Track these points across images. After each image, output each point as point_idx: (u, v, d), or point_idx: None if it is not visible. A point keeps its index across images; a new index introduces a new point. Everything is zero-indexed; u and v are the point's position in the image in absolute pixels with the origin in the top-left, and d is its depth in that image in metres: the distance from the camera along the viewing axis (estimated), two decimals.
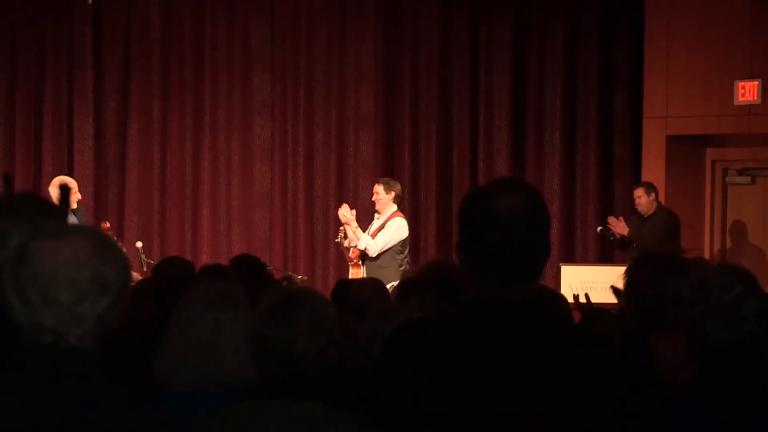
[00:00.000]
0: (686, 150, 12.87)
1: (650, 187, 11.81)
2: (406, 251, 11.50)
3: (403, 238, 11.40)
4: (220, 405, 3.12)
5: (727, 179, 13.18)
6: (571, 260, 12.72)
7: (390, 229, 11.37)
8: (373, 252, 11.27)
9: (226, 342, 3.49)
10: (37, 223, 3.12)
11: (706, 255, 12.38)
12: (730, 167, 13.17)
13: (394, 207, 11.51)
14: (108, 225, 11.86)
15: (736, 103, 12.24)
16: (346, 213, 11.47)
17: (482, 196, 2.79)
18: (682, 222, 11.76)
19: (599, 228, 12.35)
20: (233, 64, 13.75)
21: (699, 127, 12.59)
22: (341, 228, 11.58)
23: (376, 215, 11.62)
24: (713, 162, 13.15)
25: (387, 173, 13.58)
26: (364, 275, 11.20)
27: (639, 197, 11.78)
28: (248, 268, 6.61)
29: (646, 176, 12.64)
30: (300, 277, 11.53)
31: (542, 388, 2.66)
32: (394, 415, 2.77)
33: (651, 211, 11.71)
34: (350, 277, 11.36)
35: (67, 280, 2.40)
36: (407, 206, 13.54)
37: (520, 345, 2.70)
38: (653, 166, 12.74)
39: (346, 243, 11.51)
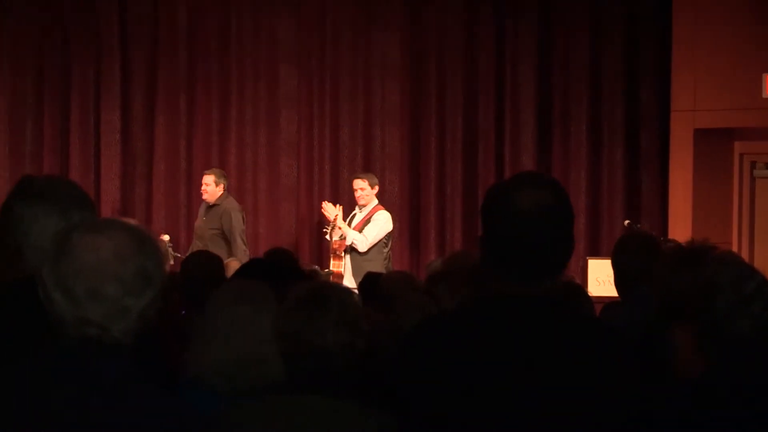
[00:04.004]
0: (714, 143, 12.81)
1: None
2: (390, 244, 11.63)
3: (389, 231, 11.54)
4: (249, 400, 3.14)
5: (755, 172, 13.11)
6: (598, 254, 12.67)
7: (377, 223, 11.53)
8: (363, 247, 11.39)
9: (263, 342, 3.49)
10: (68, 209, 3.11)
11: (734, 248, 12.32)
12: (758, 160, 13.11)
13: (376, 201, 11.71)
14: (166, 237, 12.00)
15: (764, 96, 12.17)
16: (331, 211, 11.64)
17: (504, 190, 2.78)
18: (710, 215, 11.71)
19: (626, 221, 12.31)
20: (259, 57, 13.76)
21: (727, 120, 12.52)
22: (334, 218, 11.71)
23: (357, 209, 11.73)
24: (741, 155, 13.08)
25: (413, 167, 13.60)
26: (348, 267, 11.35)
27: None
28: (281, 262, 6.62)
29: (673, 170, 12.59)
30: (326, 270, 11.57)
31: (560, 385, 2.66)
32: (414, 411, 2.77)
33: None
34: (330, 268, 11.49)
35: (113, 274, 2.42)
36: (433, 200, 13.55)
37: (539, 342, 2.69)
38: (681, 160, 12.69)
39: (335, 236, 11.60)
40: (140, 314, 2.46)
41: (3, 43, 13.46)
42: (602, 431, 2.67)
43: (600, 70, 13.40)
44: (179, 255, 11.19)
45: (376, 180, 11.95)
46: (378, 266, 10.88)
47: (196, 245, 11.78)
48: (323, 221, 12.28)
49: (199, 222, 12.38)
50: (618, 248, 6.05)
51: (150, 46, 13.73)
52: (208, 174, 12.38)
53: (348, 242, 11.47)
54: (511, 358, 2.68)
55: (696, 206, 12.53)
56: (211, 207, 12.25)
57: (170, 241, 11.75)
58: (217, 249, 11.07)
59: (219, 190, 12.25)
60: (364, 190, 11.71)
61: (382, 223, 11.59)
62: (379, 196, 12.02)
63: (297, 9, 13.69)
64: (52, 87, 13.66)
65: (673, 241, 10.71)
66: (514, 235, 2.72)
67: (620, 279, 5.94)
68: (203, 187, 12.35)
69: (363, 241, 11.41)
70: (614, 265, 5.98)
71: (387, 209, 11.97)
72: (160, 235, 11.97)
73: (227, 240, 12.04)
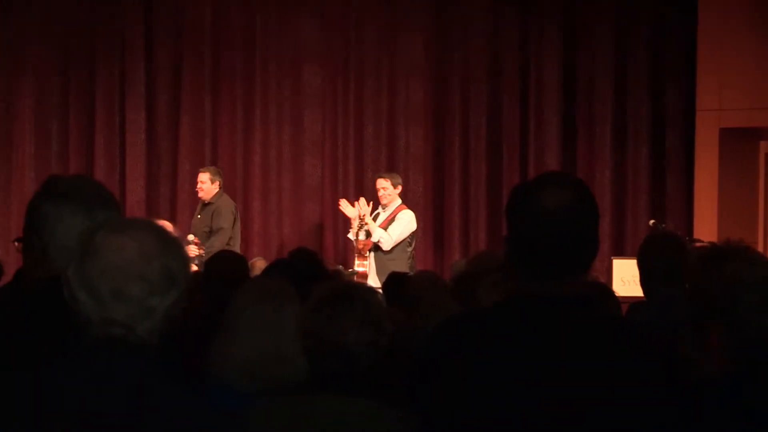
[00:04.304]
0: (739, 143, 12.76)
1: None
2: (414, 244, 11.63)
3: (413, 230, 11.54)
4: (271, 400, 3.14)
5: None
6: (623, 254, 12.63)
7: (401, 222, 11.54)
8: (387, 245, 11.39)
9: (286, 340, 3.50)
10: (93, 208, 3.12)
11: (759, 248, 12.28)
12: None
13: (399, 200, 11.70)
14: (197, 240, 12.03)
15: None
16: (363, 207, 11.63)
17: (528, 190, 2.78)
18: (736, 215, 11.68)
19: (651, 221, 12.28)
20: (284, 57, 13.78)
21: (752, 119, 12.47)
22: (361, 216, 11.70)
23: (380, 208, 11.73)
24: (766, 155, 13.04)
25: (437, 166, 13.60)
26: (373, 266, 11.36)
27: None
28: (305, 262, 6.62)
29: (698, 169, 12.56)
30: (350, 270, 11.57)
31: (587, 385, 2.65)
32: (438, 410, 2.76)
33: None
34: (355, 268, 11.50)
35: (138, 274, 2.42)
36: (457, 200, 13.55)
37: (565, 341, 2.69)
38: (706, 159, 12.65)
39: (361, 236, 11.61)
40: (165, 314, 2.47)
41: (29, 44, 13.50)
42: (629, 431, 2.67)
43: (625, 70, 13.37)
44: (203, 254, 11.22)
45: (399, 179, 11.95)
46: (402, 266, 10.89)
47: None
48: (348, 221, 12.28)
49: (195, 220, 12.40)
50: (644, 248, 6.03)
51: (175, 46, 13.76)
52: (203, 172, 12.35)
53: (374, 239, 11.48)
54: (537, 357, 2.68)
55: (721, 206, 12.49)
56: (206, 205, 12.25)
57: (194, 240, 11.75)
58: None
59: (215, 188, 12.24)
60: (386, 189, 11.72)
61: (406, 222, 11.60)
62: (402, 195, 12.02)
63: (321, 8, 13.71)
64: (78, 87, 13.70)
65: (700, 240, 10.69)
66: (538, 235, 2.72)
67: (646, 279, 5.92)
68: (198, 185, 12.31)
69: (388, 239, 11.42)
70: (640, 265, 5.96)
71: (411, 209, 11.97)
72: (185, 236, 12.00)
73: None
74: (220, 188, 12.30)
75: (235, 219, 12.27)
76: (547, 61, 13.49)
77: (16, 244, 3.02)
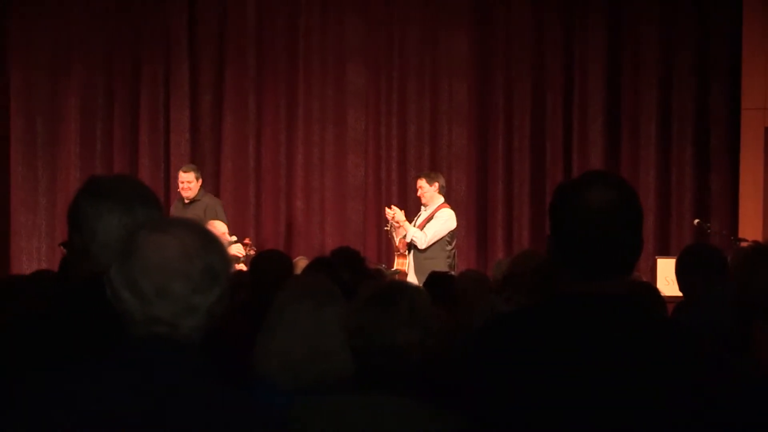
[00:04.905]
0: None
1: None
2: (454, 242, 11.59)
3: (452, 229, 11.48)
4: (315, 398, 3.14)
5: None
6: (667, 253, 12.58)
7: (438, 221, 11.47)
8: (421, 244, 11.35)
9: (327, 337, 3.50)
10: (133, 206, 3.14)
11: None
12: None
13: (441, 198, 11.65)
14: (248, 241, 12.05)
15: None
16: (399, 217, 11.58)
17: (573, 189, 2.77)
18: None
19: (696, 221, 12.22)
20: (327, 56, 13.80)
21: None
22: (391, 216, 11.69)
23: (423, 207, 11.70)
24: None
25: (480, 166, 13.59)
26: (411, 265, 11.34)
27: None
28: (348, 260, 6.63)
29: (743, 168, 12.47)
30: (392, 270, 11.56)
31: (634, 384, 2.64)
32: (482, 411, 2.76)
33: None
34: (395, 267, 11.48)
35: (180, 272, 2.44)
36: (501, 198, 13.53)
37: (609, 341, 2.67)
38: (751, 158, 12.57)
39: (399, 235, 11.61)
40: (208, 311, 2.48)
41: (73, 44, 13.59)
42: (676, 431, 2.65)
43: (669, 69, 13.31)
44: (241, 255, 11.26)
45: (437, 178, 11.82)
46: (440, 264, 10.85)
47: None
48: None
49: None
50: (679, 268, 6.02)
51: (218, 45, 13.81)
52: (187, 172, 12.21)
53: (408, 239, 11.46)
54: (583, 356, 2.66)
55: (766, 205, 12.41)
56: (190, 202, 12.20)
57: (237, 241, 11.76)
58: None
59: (198, 185, 12.21)
60: (423, 188, 11.68)
61: (443, 221, 11.53)
62: (445, 194, 11.98)
63: (365, 8, 13.72)
64: (122, 86, 13.78)
65: (745, 239, 10.63)
66: (583, 234, 2.71)
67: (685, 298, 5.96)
68: (185, 185, 12.12)
69: (422, 238, 11.38)
70: (679, 285, 5.97)
71: (454, 208, 11.93)
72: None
73: None
74: (201, 185, 12.29)
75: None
76: (591, 60, 13.45)
77: (62, 248, 3.07)
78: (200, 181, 12.26)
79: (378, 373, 3.13)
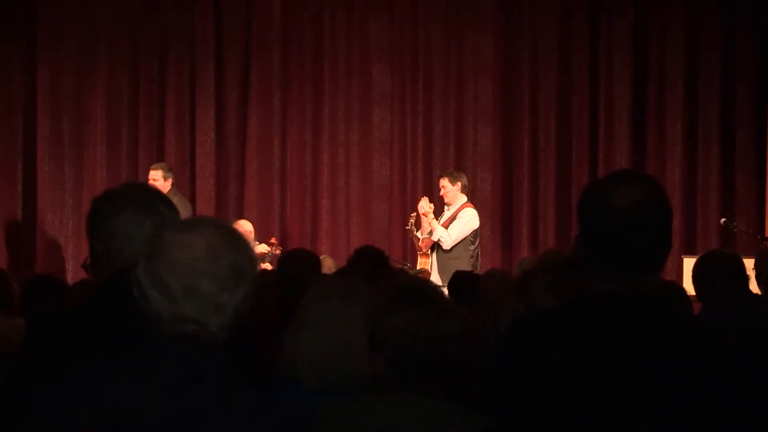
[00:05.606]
0: None
1: None
2: (477, 242, 11.57)
3: (475, 228, 11.48)
4: (343, 399, 3.14)
5: None
6: (693, 252, 12.53)
7: (462, 221, 11.47)
8: (447, 245, 11.34)
9: (355, 338, 3.50)
10: (150, 204, 3.18)
11: None
12: None
13: (464, 198, 11.64)
14: (274, 240, 12.05)
15: None
16: (425, 205, 11.58)
17: (601, 188, 2.77)
18: None
19: (722, 219, 12.17)
20: (352, 56, 13.81)
21: None
22: (412, 215, 11.68)
23: (446, 207, 11.69)
24: None
25: (505, 165, 13.57)
26: (434, 265, 11.33)
27: None
28: (371, 259, 6.64)
29: None
30: (416, 269, 11.56)
31: (663, 384, 2.63)
32: (509, 410, 2.76)
33: None
34: (418, 266, 11.48)
35: (207, 271, 2.45)
36: (526, 198, 13.51)
37: (637, 341, 2.67)
38: None
39: (417, 232, 11.60)
40: (235, 310, 2.49)
41: (100, 44, 13.62)
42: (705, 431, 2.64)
43: (696, 68, 13.27)
44: (267, 254, 11.27)
45: (459, 177, 11.79)
46: (464, 264, 10.83)
47: None
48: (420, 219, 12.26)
49: None
50: (696, 276, 5.99)
51: (244, 45, 13.82)
52: (155, 169, 12.01)
53: (435, 238, 11.45)
54: (615, 356, 2.66)
55: None
56: None
57: (273, 241, 11.75)
58: None
59: (167, 185, 11.95)
60: (446, 188, 11.68)
61: (466, 221, 11.51)
62: (470, 194, 11.96)
63: (390, 7, 13.72)
64: (148, 86, 13.80)
65: None
66: (611, 233, 2.70)
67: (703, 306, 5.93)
68: (150, 183, 11.71)
69: (447, 239, 11.38)
70: (696, 292, 5.95)
71: (479, 208, 11.92)
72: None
73: None
74: (172, 185, 12.05)
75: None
76: (617, 59, 13.42)
77: (85, 269, 3.11)
78: (169, 180, 12.00)
79: (398, 374, 3.12)
